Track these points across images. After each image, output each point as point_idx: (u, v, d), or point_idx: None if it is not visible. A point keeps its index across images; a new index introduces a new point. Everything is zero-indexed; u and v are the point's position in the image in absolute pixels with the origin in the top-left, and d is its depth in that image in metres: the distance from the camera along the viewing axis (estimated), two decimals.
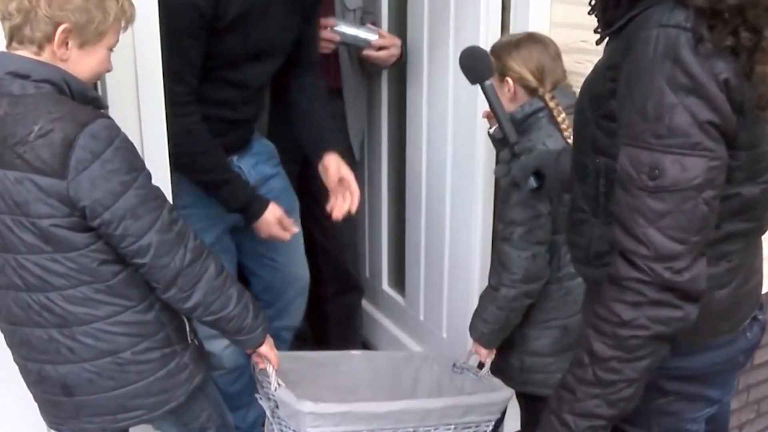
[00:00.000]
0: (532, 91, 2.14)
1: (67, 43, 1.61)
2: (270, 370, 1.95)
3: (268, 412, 2.03)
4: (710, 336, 1.49)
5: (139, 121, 2.00)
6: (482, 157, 2.63)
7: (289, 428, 1.99)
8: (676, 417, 1.56)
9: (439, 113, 2.79)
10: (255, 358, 1.96)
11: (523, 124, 2.13)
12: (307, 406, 1.90)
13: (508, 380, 2.30)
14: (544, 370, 2.28)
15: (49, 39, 1.59)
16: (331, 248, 3.03)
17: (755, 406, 2.94)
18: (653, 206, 1.27)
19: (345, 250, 3.08)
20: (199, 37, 2.15)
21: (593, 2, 1.50)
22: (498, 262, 2.19)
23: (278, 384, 1.94)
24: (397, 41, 2.82)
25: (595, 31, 1.50)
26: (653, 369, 1.36)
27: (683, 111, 1.24)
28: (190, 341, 1.85)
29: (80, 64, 1.65)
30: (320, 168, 2.44)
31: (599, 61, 1.47)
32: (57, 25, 1.58)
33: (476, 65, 1.97)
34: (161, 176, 1.95)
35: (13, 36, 1.61)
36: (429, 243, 2.99)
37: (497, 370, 2.34)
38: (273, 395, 1.95)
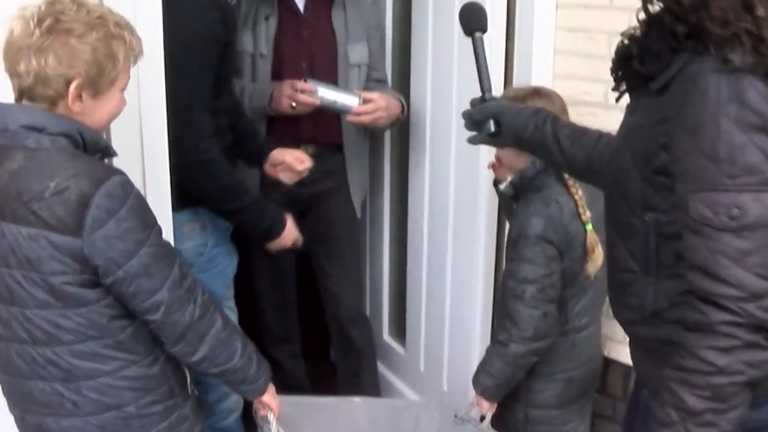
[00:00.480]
0: None
1: (80, 96, 1.60)
2: (271, 417, 1.96)
3: None
4: None
5: (142, 159, 2.02)
6: (484, 211, 2.63)
7: None
8: None
9: (442, 168, 2.80)
10: (257, 404, 1.96)
11: (535, 180, 2.14)
12: None
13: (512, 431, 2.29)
14: (550, 422, 2.27)
15: (62, 95, 1.59)
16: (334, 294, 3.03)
17: None
18: (737, 245, 1.26)
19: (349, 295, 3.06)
20: (215, 66, 2.24)
21: (615, 59, 1.53)
22: (508, 319, 2.18)
23: (278, 431, 1.95)
24: (382, 104, 2.70)
25: (617, 89, 1.53)
26: (744, 419, 1.31)
27: (755, 149, 1.25)
28: (190, 392, 1.85)
29: (96, 113, 1.65)
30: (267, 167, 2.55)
31: (630, 120, 1.49)
32: (69, 81, 1.57)
33: (472, 18, 1.99)
34: (164, 215, 1.97)
35: (24, 93, 1.60)
36: (430, 293, 2.98)
37: (501, 421, 2.32)
38: None
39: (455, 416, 2.30)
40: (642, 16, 1.46)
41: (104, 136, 1.80)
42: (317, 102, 2.61)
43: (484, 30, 1.99)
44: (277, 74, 2.70)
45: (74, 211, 1.53)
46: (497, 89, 2.53)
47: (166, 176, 2.07)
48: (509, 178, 2.22)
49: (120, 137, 1.94)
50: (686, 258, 1.33)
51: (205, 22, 2.18)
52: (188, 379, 1.84)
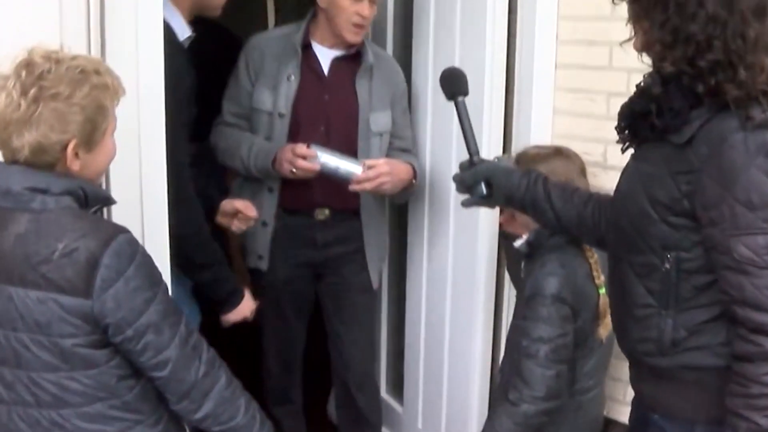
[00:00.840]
0: None
1: (77, 154, 1.60)
2: None
3: None
4: None
5: (141, 205, 2.02)
6: (483, 267, 2.63)
7: None
8: None
9: (440, 223, 2.80)
10: None
11: (551, 239, 2.13)
12: None
13: None
14: None
15: (60, 158, 1.58)
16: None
17: None
18: None
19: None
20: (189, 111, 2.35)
21: (626, 113, 1.65)
22: (519, 379, 2.15)
23: None
24: (385, 170, 2.57)
25: (625, 140, 1.67)
26: None
27: None
28: None
29: (94, 165, 1.65)
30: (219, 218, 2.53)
31: (641, 167, 1.62)
32: (65, 145, 1.57)
33: (453, 83, 2.07)
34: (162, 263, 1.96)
35: (18, 161, 1.59)
36: (428, 350, 2.95)
37: None
38: None
39: None
40: (641, 78, 1.61)
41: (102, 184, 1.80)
42: (317, 168, 2.50)
43: (465, 93, 2.05)
44: (294, 135, 2.63)
45: (83, 272, 1.53)
46: (497, 149, 2.57)
47: (165, 233, 2.07)
48: (525, 237, 2.20)
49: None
50: (731, 295, 1.48)
51: (180, 71, 2.20)
52: None
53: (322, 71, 2.67)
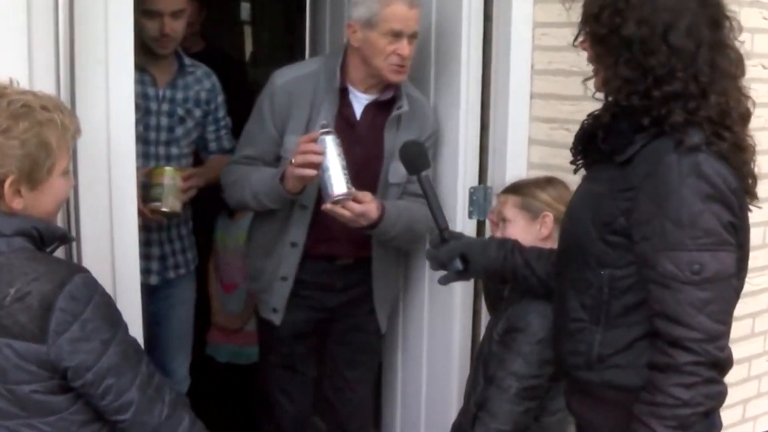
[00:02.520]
0: None
1: (19, 191, 1.55)
2: None
3: None
4: (709, 425, 1.62)
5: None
6: (459, 300, 2.61)
7: None
8: None
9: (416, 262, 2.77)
10: None
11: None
12: None
13: None
14: None
15: (0, 195, 1.53)
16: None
17: None
18: (700, 296, 1.48)
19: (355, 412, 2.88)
20: None
21: (579, 136, 1.75)
22: (486, 412, 2.12)
23: None
24: (358, 210, 2.32)
25: (574, 162, 1.77)
26: None
27: (711, 215, 1.49)
28: None
29: (40, 205, 1.59)
30: None
31: (590, 187, 1.70)
32: (2, 181, 1.52)
33: (415, 158, 2.10)
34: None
35: None
36: (405, 383, 2.93)
37: None
38: None
39: None
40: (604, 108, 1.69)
41: (57, 221, 1.75)
42: (320, 159, 2.24)
43: (427, 167, 2.09)
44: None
45: (37, 316, 1.49)
46: (472, 180, 2.56)
47: (135, 237, 2.04)
48: None
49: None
50: (653, 308, 1.53)
51: None
52: None
53: (355, 119, 2.51)
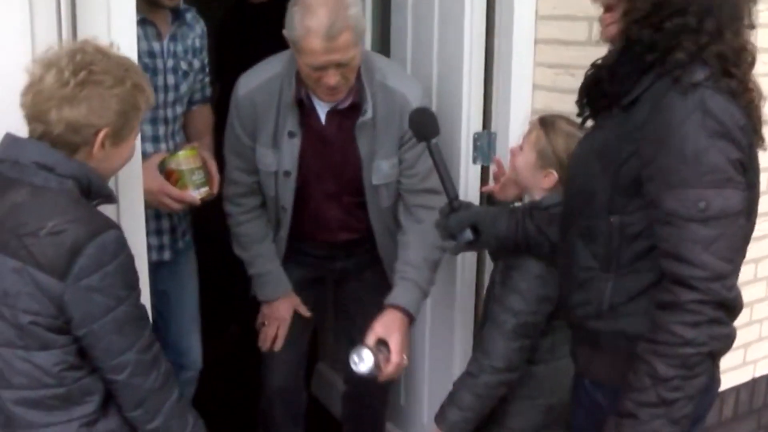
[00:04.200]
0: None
1: (104, 144, 1.65)
2: None
3: None
4: (710, 379, 1.61)
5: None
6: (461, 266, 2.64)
7: None
8: None
9: None
10: None
11: (553, 208, 2.09)
12: None
13: None
14: None
15: (88, 143, 1.63)
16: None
17: None
18: (705, 234, 1.46)
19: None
20: None
21: (583, 86, 1.73)
22: (480, 349, 2.15)
23: None
24: (397, 361, 2.25)
25: (581, 114, 1.75)
26: (704, 387, 1.51)
27: (717, 152, 1.46)
28: None
29: (113, 159, 1.71)
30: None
31: (597, 135, 1.68)
32: (98, 131, 1.63)
33: (423, 125, 2.07)
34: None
35: (45, 137, 1.62)
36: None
37: None
38: None
39: None
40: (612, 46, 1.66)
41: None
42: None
43: (436, 134, 2.04)
44: (303, 189, 2.44)
45: (65, 255, 1.55)
46: (476, 126, 2.55)
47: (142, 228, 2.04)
48: (522, 200, 2.18)
49: None
50: (660, 248, 1.52)
51: None
52: None
53: (321, 125, 2.39)
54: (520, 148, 2.17)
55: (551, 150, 2.09)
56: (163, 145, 2.43)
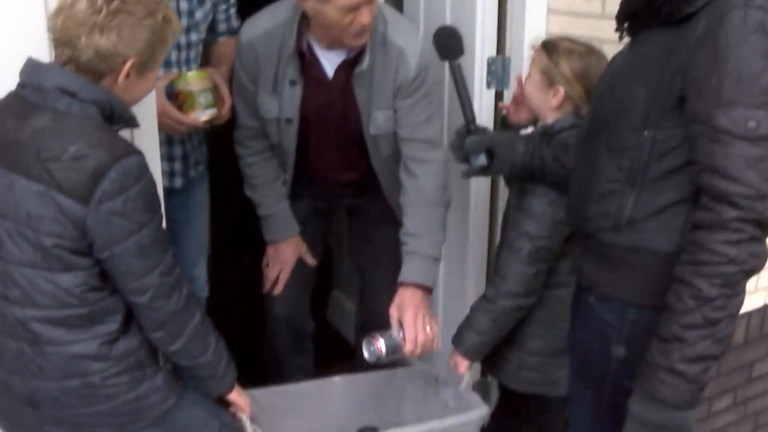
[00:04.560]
0: (577, 109, 2.10)
1: (129, 74, 1.66)
2: (243, 418, 1.98)
3: None
4: None
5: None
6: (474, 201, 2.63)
7: None
8: None
9: None
10: (231, 409, 1.99)
11: (560, 134, 2.10)
12: None
13: (503, 376, 2.32)
14: (544, 370, 2.27)
15: (114, 71, 1.64)
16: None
17: (753, 419, 2.93)
18: (752, 152, 1.45)
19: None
20: None
21: (625, 6, 1.69)
22: (497, 274, 2.17)
23: (254, 429, 1.97)
24: (421, 339, 2.28)
25: (620, 29, 1.72)
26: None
27: None
28: (162, 364, 1.85)
29: (136, 89, 1.72)
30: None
31: (642, 48, 1.65)
32: (125, 60, 1.64)
33: (447, 45, 2.05)
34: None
35: (72, 63, 1.63)
36: None
37: (492, 368, 2.34)
38: None
39: (436, 380, 2.31)
40: None
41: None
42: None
43: (460, 54, 2.01)
44: (304, 137, 2.47)
45: (88, 179, 1.57)
46: (491, 50, 2.53)
47: (157, 152, 2.04)
48: (535, 126, 2.16)
49: None
50: (701, 163, 1.50)
51: None
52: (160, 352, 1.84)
53: (327, 76, 2.38)
54: (528, 74, 2.17)
55: (555, 69, 2.08)
56: (175, 70, 2.41)
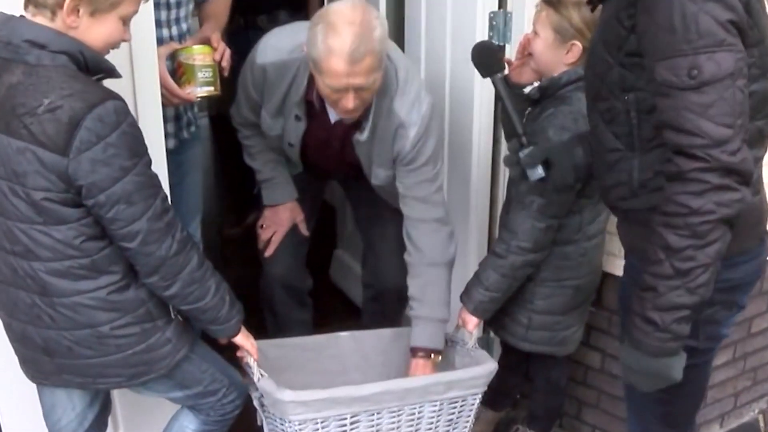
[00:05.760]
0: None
1: (78, 11, 1.60)
2: (251, 361, 1.98)
3: (256, 402, 2.05)
4: (749, 243, 1.67)
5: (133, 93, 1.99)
6: (478, 139, 2.63)
7: (275, 417, 2.01)
8: (718, 324, 1.74)
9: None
10: (238, 353, 2.00)
11: (564, 89, 2.09)
12: (288, 395, 1.93)
13: (510, 336, 2.33)
14: (552, 327, 2.29)
15: (60, 5, 1.59)
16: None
17: (752, 374, 2.93)
18: (699, 100, 1.43)
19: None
20: None
21: None
22: (507, 229, 2.17)
23: (260, 375, 1.96)
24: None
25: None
26: (723, 253, 1.50)
27: (706, 15, 1.42)
28: (173, 316, 1.85)
29: (91, 32, 1.64)
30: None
31: (602, 16, 1.67)
32: None
33: (486, 61, 2.01)
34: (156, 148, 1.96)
35: (28, 2, 1.61)
36: None
37: (501, 327, 2.35)
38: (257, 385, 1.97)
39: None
40: None
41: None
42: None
43: (501, 70, 1.97)
44: (305, 155, 2.52)
45: (64, 130, 1.55)
46: (492, 2, 2.51)
47: (159, 110, 2.06)
48: (537, 83, 2.14)
49: None
50: (660, 119, 1.50)
51: None
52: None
53: (329, 120, 2.38)
54: (534, 33, 2.13)
55: (568, 23, 2.05)
56: (165, 31, 2.37)
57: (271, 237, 2.64)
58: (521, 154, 1.90)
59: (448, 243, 2.34)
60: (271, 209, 2.65)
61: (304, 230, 2.68)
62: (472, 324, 2.24)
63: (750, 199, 1.51)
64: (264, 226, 2.66)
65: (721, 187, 1.44)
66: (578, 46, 2.05)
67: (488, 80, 2.04)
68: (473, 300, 2.21)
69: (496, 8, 2.52)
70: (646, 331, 1.54)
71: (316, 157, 2.52)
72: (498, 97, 1.97)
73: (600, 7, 1.71)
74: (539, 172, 1.88)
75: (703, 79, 1.42)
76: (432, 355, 2.28)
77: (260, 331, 2.28)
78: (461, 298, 2.24)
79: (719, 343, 1.82)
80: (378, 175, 2.42)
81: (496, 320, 2.33)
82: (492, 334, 2.60)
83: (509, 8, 2.51)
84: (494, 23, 2.51)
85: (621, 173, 1.67)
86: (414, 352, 2.30)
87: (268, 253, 2.64)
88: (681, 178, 1.46)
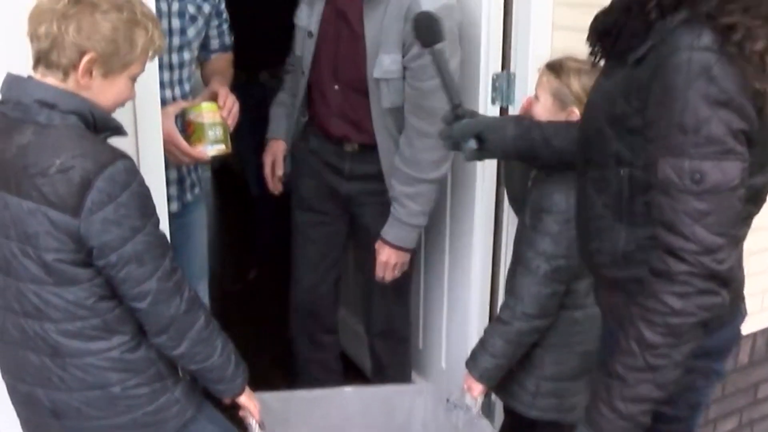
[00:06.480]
0: None
1: (91, 72, 1.63)
2: (252, 422, 1.97)
3: None
4: (728, 314, 1.65)
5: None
6: (482, 182, 2.63)
7: None
8: (697, 392, 1.73)
9: None
10: (240, 413, 1.98)
11: None
12: None
13: (517, 403, 2.28)
14: (561, 394, 2.25)
15: (74, 66, 1.61)
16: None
17: None
18: (697, 207, 1.42)
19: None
20: None
21: (592, 32, 1.67)
22: (512, 295, 2.14)
23: None
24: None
25: (593, 54, 1.68)
26: (695, 352, 1.51)
27: (719, 122, 1.40)
28: (181, 375, 1.84)
29: (103, 92, 1.66)
30: None
31: (605, 84, 1.63)
32: (83, 53, 1.60)
33: (426, 30, 2.02)
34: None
35: (40, 59, 1.62)
36: (428, 269, 2.96)
37: (507, 394, 2.31)
38: None
39: (447, 401, 2.27)
40: None
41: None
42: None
43: (440, 40, 1.98)
44: (318, 52, 2.56)
45: (76, 191, 1.55)
46: (495, 65, 2.53)
47: (161, 167, 2.06)
48: None
49: None
50: (653, 215, 1.49)
51: None
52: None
53: (344, 6, 2.46)
54: (535, 97, 2.15)
55: (567, 89, 2.07)
56: (168, 92, 2.37)
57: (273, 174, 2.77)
58: (454, 126, 1.96)
59: (441, 161, 2.49)
60: (267, 144, 2.80)
61: (279, 169, 2.77)
62: (478, 391, 2.20)
63: (727, 299, 1.50)
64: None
65: (705, 292, 1.45)
66: (576, 113, 2.06)
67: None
68: (479, 367, 2.18)
69: (499, 70, 2.54)
70: (609, 418, 1.54)
71: (326, 61, 2.54)
72: (437, 69, 1.97)
73: (601, 62, 1.68)
74: (471, 144, 1.95)
75: (706, 187, 1.42)
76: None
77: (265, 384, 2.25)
78: (467, 364, 2.21)
79: (700, 412, 1.81)
80: (381, 63, 2.40)
81: (502, 387, 2.29)
82: (494, 397, 2.57)
83: (512, 69, 2.53)
84: (497, 84, 2.53)
85: (605, 242, 1.66)
86: (382, 243, 2.55)
87: (272, 186, 2.79)
88: (668, 278, 1.46)
